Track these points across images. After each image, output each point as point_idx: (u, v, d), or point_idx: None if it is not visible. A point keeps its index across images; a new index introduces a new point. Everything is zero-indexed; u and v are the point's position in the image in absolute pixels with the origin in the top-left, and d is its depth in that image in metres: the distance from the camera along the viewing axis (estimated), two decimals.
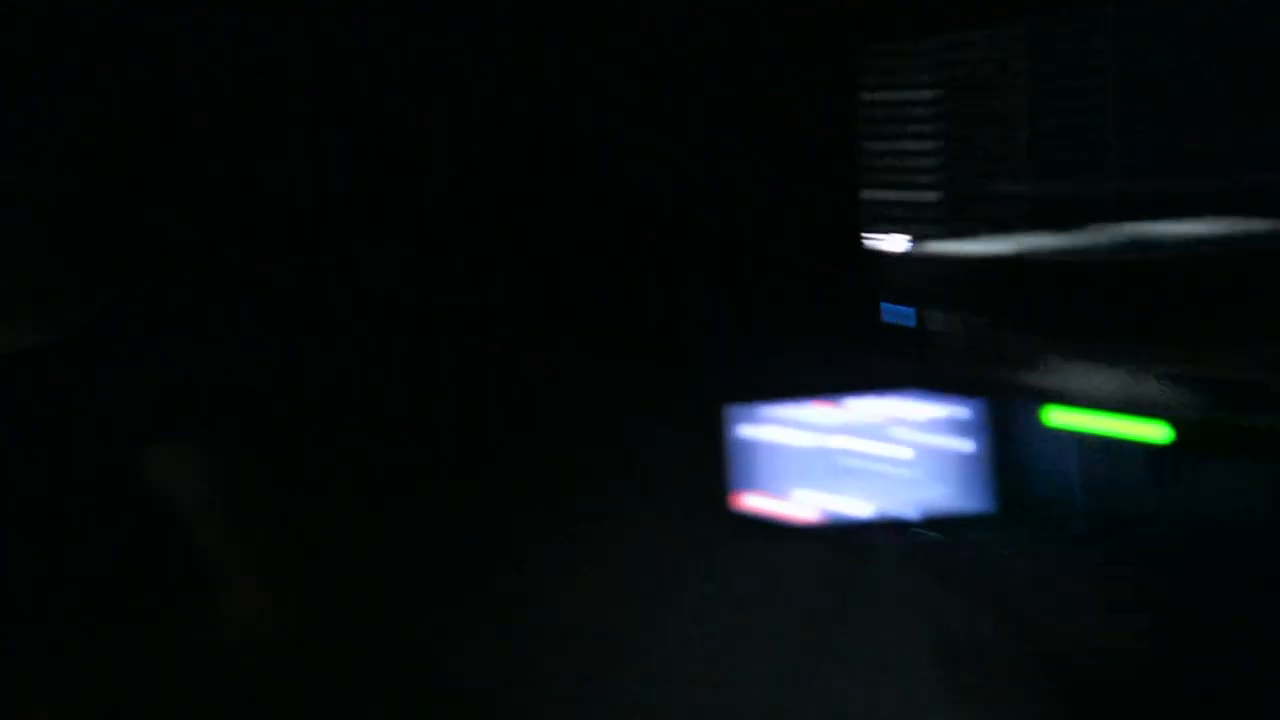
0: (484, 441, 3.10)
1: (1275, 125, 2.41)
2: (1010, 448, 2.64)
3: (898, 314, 2.83)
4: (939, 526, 2.64)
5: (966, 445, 2.64)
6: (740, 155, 3.08)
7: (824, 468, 2.71)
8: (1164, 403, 2.40)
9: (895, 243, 2.95)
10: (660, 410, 2.95)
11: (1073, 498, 2.63)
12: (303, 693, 2.56)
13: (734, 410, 2.77)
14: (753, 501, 2.73)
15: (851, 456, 2.70)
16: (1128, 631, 2.46)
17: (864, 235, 3.00)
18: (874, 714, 2.41)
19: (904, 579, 2.67)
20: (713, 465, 2.76)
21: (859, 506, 2.67)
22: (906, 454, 2.67)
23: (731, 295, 3.06)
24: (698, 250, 3.12)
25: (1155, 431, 2.39)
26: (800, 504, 2.71)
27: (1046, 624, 2.55)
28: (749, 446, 2.75)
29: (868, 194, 3.03)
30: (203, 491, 2.87)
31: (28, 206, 2.73)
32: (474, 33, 3.15)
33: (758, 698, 2.40)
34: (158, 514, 2.79)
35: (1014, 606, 2.60)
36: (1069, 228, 2.72)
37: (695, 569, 2.76)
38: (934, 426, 2.66)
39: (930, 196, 2.99)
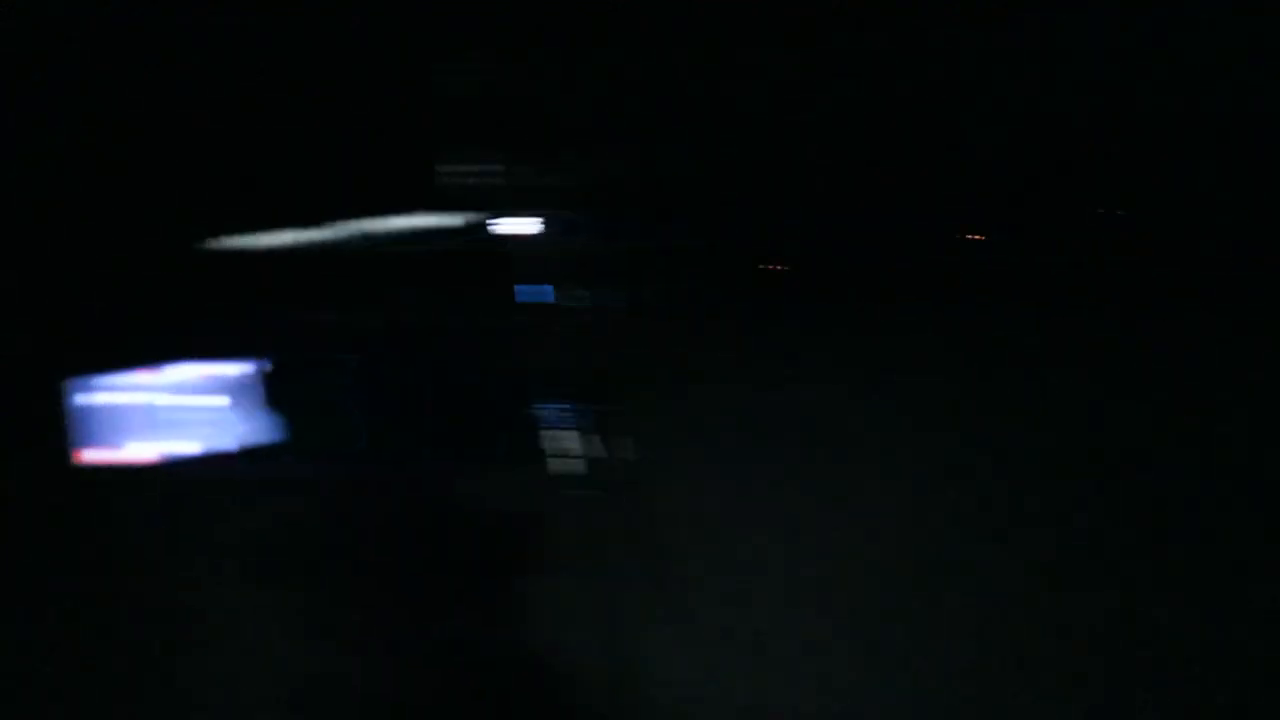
0: None
1: None
2: (295, 391, 3.36)
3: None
4: (241, 459, 3.34)
5: (262, 393, 3.34)
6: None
7: (151, 422, 3.32)
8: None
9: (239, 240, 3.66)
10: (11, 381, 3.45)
11: (342, 428, 3.42)
12: None
13: (73, 380, 3.31)
14: (93, 455, 3.31)
15: (174, 410, 3.33)
16: (399, 527, 3.28)
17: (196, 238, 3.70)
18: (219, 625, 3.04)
19: (225, 504, 3.37)
20: (59, 427, 3.30)
21: (181, 449, 3.32)
22: (217, 403, 3.33)
23: (73, 283, 3.58)
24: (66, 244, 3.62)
25: None
26: (133, 453, 3.31)
27: (332, 528, 3.33)
28: (88, 410, 3.31)
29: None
30: None
31: None
32: None
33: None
34: None
35: (307, 519, 3.37)
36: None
37: (47, 518, 3.33)
38: (238, 380, 3.34)
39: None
